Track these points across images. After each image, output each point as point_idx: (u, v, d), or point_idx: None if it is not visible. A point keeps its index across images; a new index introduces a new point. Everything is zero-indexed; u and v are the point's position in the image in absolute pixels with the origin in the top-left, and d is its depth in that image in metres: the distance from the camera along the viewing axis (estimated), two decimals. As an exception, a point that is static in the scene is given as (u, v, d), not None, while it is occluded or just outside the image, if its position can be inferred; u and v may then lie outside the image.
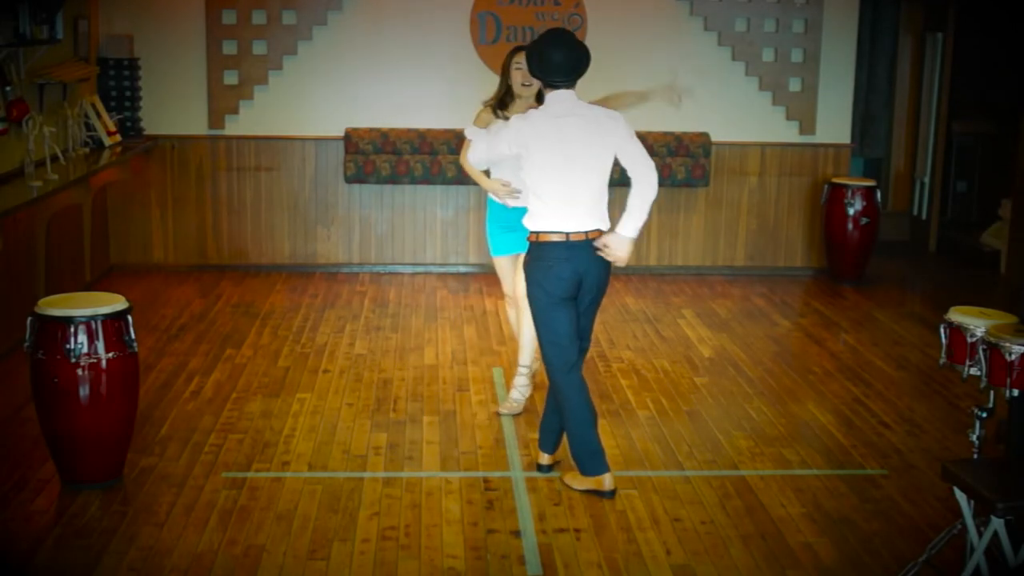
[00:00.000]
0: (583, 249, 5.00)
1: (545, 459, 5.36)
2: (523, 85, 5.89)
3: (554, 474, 5.34)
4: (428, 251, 9.43)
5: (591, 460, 5.09)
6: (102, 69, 8.85)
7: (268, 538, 4.66)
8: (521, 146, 5.00)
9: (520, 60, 5.85)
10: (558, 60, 4.96)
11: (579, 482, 5.16)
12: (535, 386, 6.22)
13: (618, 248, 5.01)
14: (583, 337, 5.19)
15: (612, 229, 5.05)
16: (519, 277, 5.76)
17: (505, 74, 5.98)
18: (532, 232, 5.06)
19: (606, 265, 5.08)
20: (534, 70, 5.06)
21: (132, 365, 5.10)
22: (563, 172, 4.96)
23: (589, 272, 5.03)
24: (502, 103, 6.00)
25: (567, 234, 4.98)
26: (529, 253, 5.11)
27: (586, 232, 4.99)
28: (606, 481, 5.08)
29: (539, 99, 5.77)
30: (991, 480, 3.97)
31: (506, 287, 6.28)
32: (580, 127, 4.98)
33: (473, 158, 5.35)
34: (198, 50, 9.07)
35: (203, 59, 9.08)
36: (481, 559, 4.54)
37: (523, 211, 5.30)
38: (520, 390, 6.13)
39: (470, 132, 5.49)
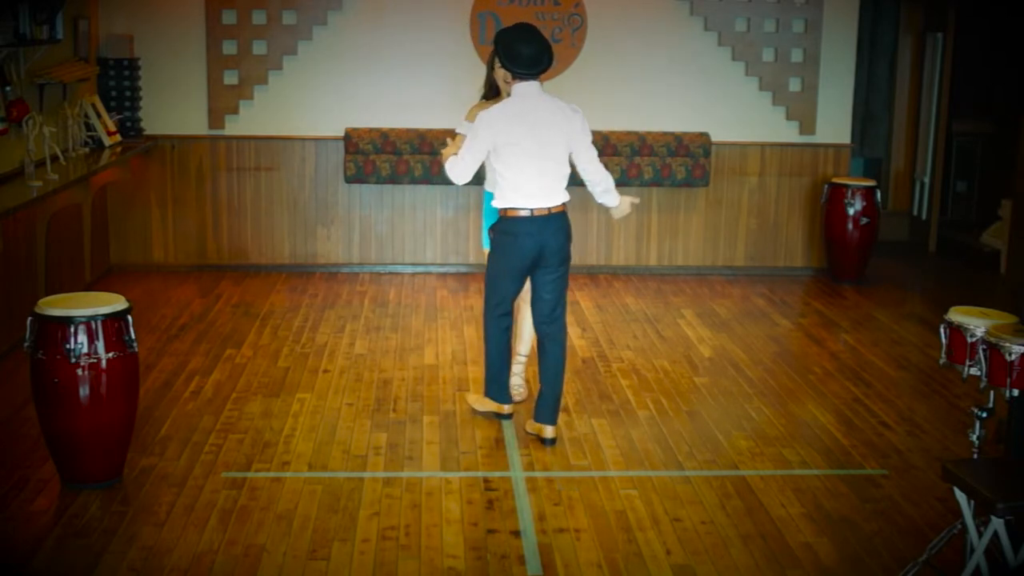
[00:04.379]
0: (545, 222, 5.54)
1: (506, 409, 5.95)
2: (506, 82, 5.88)
3: (556, 474, 5.35)
4: (428, 251, 9.43)
5: (498, 389, 5.89)
6: (102, 69, 8.85)
7: (268, 538, 4.66)
8: (497, 136, 5.42)
9: None
10: (527, 53, 5.43)
11: (481, 404, 5.99)
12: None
13: (622, 212, 5.85)
14: (554, 307, 5.67)
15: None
16: None
17: (491, 69, 6.06)
18: (501, 208, 5.58)
19: (565, 236, 5.63)
20: (503, 61, 5.48)
21: (132, 365, 5.10)
22: (534, 156, 5.49)
23: (549, 243, 5.55)
24: (488, 96, 6.08)
25: (532, 210, 5.52)
26: (496, 225, 5.64)
27: (549, 208, 5.53)
28: (505, 407, 5.93)
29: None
30: (991, 480, 3.97)
31: None
32: (548, 114, 5.50)
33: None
34: (198, 50, 9.07)
35: (203, 59, 9.08)
36: (481, 559, 4.54)
37: None
38: (518, 376, 6.27)
39: (462, 129, 5.83)
